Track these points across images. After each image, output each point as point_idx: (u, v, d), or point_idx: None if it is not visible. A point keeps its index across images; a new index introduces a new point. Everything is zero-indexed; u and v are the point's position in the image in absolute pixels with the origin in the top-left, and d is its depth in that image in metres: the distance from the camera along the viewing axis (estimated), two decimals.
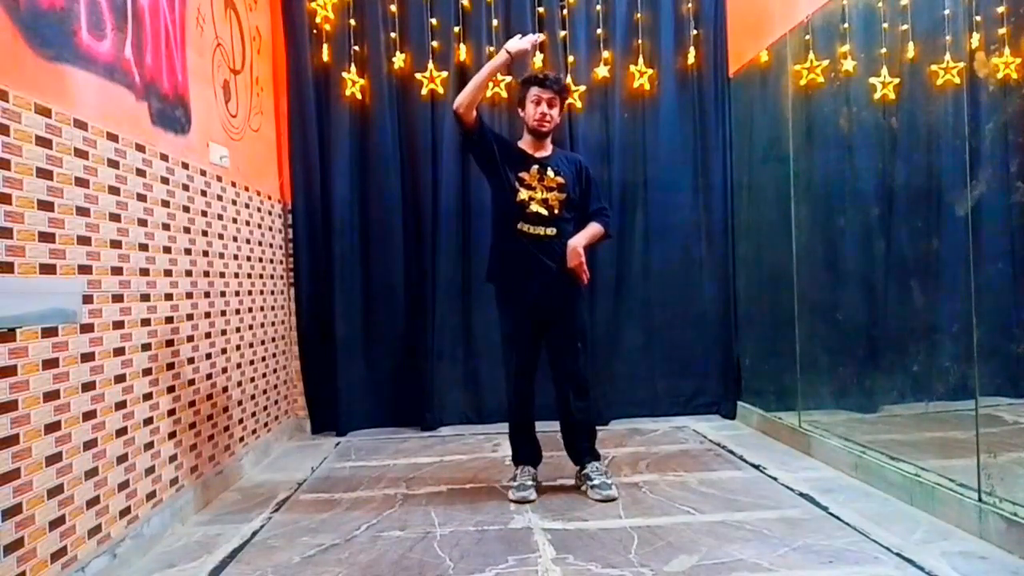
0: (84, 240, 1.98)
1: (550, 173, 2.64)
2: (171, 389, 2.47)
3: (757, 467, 2.96)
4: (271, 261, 3.64)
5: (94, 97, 2.08)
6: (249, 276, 3.30)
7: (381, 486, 2.85)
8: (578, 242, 2.63)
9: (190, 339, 2.63)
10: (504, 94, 3.83)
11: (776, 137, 3.47)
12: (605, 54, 3.94)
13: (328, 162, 3.83)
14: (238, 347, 3.12)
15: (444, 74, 3.84)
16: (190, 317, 2.63)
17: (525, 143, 2.71)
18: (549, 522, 2.36)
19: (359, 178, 3.88)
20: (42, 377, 1.78)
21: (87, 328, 1.98)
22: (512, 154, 2.66)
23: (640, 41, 3.95)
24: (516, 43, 2.54)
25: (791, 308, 3.31)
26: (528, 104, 2.65)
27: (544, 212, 2.61)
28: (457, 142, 3.66)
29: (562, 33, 3.94)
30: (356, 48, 3.83)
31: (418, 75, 3.84)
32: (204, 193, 2.83)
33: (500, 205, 2.68)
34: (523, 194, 2.60)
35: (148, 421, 2.29)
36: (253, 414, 3.27)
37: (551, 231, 2.62)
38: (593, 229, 2.71)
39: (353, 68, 3.81)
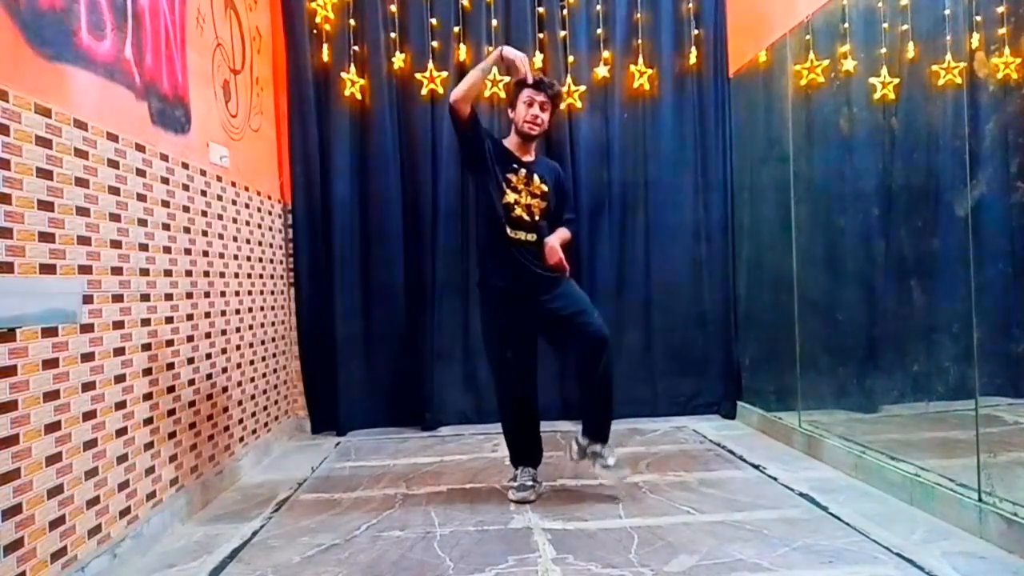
0: (84, 240, 1.98)
1: (536, 180, 2.65)
2: (171, 389, 2.47)
3: (757, 467, 2.96)
4: (271, 261, 3.64)
5: (94, 97, 2.08)
6: (249, 276, 3.30)
7: (381, 486, 2.85)
8: (553, 240, 2.65)
9: (190, 339, 2.63)
10: (502, 94, 3.83)
11: (776, 137, 3.47)
12: (605, 54, 3.94)
13: (328, 162, 3.83)
14: (238, 347, 3.12)
15: (444, 74, 3.84)
16: (190, 317, 2.63)
17: (511, 143, 2.70)
18: (549, 522, 2.36)
19: (359, 178, 3.89)
20: (42, 377, 1.78)
21: (87, 328, 1.98)
22: (502, 153, 2.65)
23: (640, 41, 3.95)
24: (512, 51, 2.50)
25: (791, 308, 3.31)
26: (520, 104, 2.64)
27: (527, 217, 2.62)
28: (457, 142, 3.65)
29: (562, 33, 3.94)
30: (356, 48, 3.83)
31: (418, 75, 3.84)
32: (204, 193, 2.83)
33: (486, 207, 2.64)
34: (509, 196, 2.60)
35: (148, 421, 2.29)
36: (253, 414, 3.27)
37: (531, 237, 2.63)
38: (564, 233, 2.74)
39: (353, 68, 3.81)
